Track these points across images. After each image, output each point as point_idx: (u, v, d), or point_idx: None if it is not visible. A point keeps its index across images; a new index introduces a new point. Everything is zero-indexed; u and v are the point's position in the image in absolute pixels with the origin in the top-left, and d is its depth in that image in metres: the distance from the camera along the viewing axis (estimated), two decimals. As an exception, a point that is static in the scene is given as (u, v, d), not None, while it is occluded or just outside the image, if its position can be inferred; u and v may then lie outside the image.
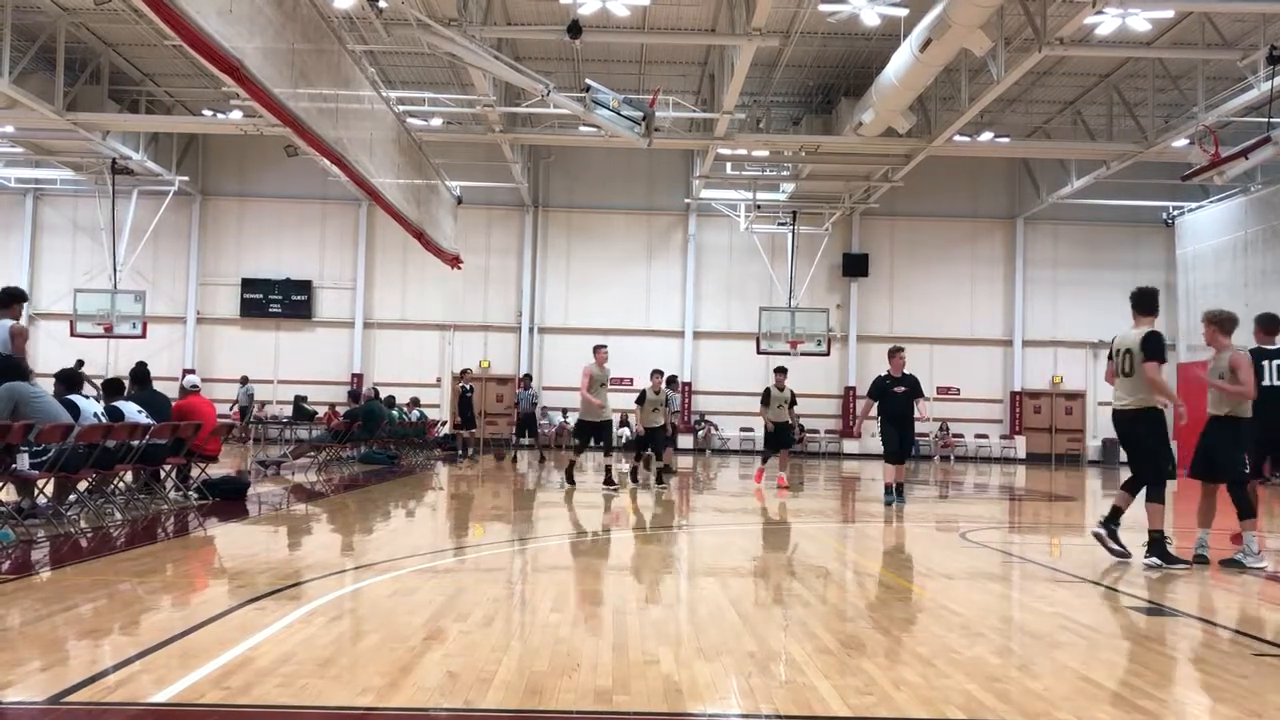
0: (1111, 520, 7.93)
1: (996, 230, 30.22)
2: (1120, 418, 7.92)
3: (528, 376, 25.56)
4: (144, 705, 3.65)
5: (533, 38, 19.80)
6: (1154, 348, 7.67)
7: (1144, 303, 8.00)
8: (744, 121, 22.39)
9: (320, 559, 7.81)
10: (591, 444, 14.89)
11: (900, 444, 12.72)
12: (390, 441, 19.98)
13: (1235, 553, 7.82)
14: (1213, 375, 7.90)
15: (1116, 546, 7.88)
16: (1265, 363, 8.32)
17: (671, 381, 22.55)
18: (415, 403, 23.66)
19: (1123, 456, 8.49)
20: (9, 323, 8.81)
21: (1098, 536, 7.99)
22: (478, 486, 15.82)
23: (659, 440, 15.92)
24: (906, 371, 12.87)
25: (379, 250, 29.62)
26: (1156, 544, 7.66)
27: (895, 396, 12.63)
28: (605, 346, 14.81)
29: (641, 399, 15.51)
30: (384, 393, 23.16)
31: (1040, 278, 30.02)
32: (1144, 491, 7.80)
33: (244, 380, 27.66)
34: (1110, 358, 8.06)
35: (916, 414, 12.82)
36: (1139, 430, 7.80)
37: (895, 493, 12.69)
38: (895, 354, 12.98)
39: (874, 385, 12.95)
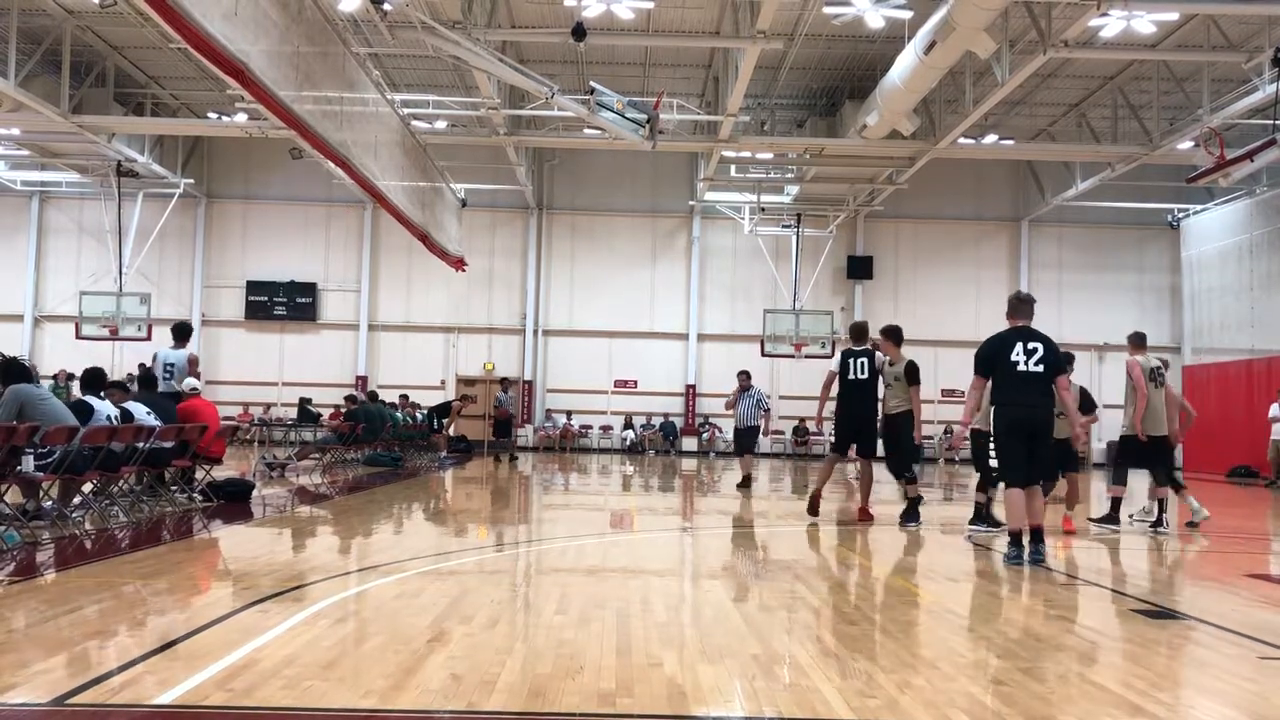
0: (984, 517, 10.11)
1: (1001, 232, 30.19)
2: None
3: (505, 379, 25.31)
4: (148, 707, 3.65)
5: (537, 40, 19.81)
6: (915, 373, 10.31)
7: (897, 335, 10.52)
8: (748, 124, 22.39)
9: (324, 561, 7.81)
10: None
11: (1035, 451, 7.63)
12: (395, 443, 20.00)
13: None
14: None
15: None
16: None
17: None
18: (416, 405, 23.65)
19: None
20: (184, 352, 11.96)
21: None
22: (486, 489, 15.81)
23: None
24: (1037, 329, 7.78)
25: (383, 253, 29.66)
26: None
27: (1024, 371, 7.52)
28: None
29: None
30: (388, 395, 23.15)
31: (1045, 280, 29.92)
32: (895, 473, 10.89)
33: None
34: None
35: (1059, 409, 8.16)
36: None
37: (1033, 541, 7.62)
38: (1022, 307, 7.87)
39: (985, 349, 7.83)
